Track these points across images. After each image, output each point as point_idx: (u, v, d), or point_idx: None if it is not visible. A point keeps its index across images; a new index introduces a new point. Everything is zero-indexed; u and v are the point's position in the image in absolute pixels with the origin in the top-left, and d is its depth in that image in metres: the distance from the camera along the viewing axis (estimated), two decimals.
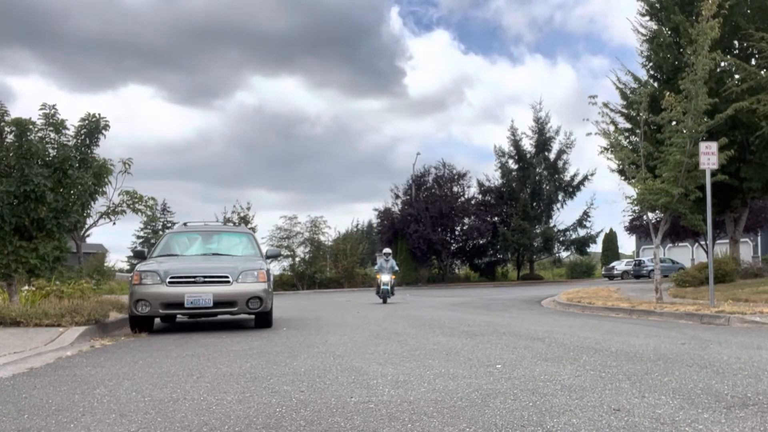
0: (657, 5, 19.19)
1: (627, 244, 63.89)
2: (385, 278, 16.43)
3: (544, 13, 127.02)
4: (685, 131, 11.68)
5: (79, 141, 8.97)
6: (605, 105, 13.44)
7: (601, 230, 46.79)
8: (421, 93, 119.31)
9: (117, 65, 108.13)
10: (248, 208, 33.12)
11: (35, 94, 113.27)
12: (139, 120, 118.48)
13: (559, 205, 41.55)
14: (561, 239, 41.26)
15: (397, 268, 17.25)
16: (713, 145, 10.48)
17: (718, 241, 30.36)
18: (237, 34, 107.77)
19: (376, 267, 18.34)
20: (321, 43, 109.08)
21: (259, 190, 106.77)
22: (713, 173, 10.71)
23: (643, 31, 19.76)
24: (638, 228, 35.18)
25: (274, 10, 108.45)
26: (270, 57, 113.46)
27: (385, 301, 16.10)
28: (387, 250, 18.33)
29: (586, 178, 40.85)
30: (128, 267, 41.57)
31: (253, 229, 28.43)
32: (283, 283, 31.98)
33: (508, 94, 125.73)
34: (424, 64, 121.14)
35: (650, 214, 16.17)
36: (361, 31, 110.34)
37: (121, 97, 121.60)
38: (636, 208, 16.81)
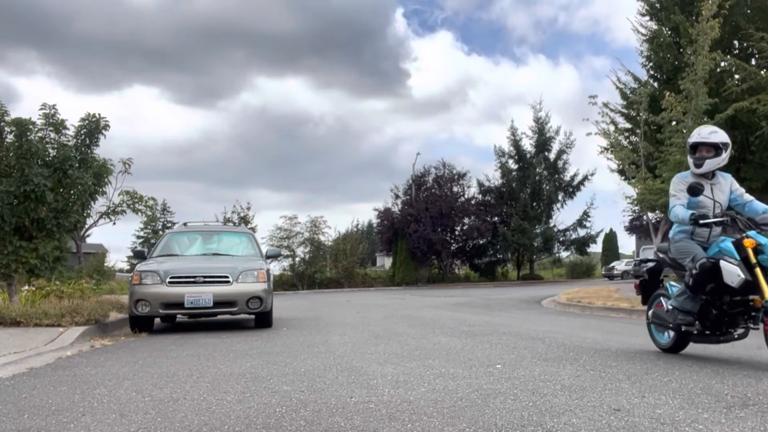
0: (657, 5, 19.20)
1: (627, 244, 64.05)
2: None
3: (548, 14, 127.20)
4: (685, 131, 11.69)
5: (79, 141, 8.97)
6: (605, 105, 13.50)
7: (601, 230, 46.75)
8: (426, 94, 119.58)
9: (122, 66, 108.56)
10: (248, 208, 33.15)
11: (40, 94, 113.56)
12: (143, 120, 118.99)
13: (559, 205, 41.55)
14: (561, 239, 41.25)
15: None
16: None
17: None
18: (243, 35, 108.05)
19: (676, 208, 4.78)
20: (326, 44, 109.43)
21: (261, 190, 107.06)
22: None
23: (643, 31, 19.78)
24: (638, 228, 35.23)
25: (280, 12, 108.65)
26: (275, 58, 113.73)
27: None
28: (717, 133, 4.83)
29: (586, 178, 40.87)
30: (128, 267, 41.56)
31: (253, 229, 28.44)
32: (283, 283, 31.97)
33: (511, 95, 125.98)
34: (428, 66, 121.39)
35: (650, 214, 16.18)
36: (366, 33, 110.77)
37: (126, 98, 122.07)
38: (636, 208, 16.80)
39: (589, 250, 42.96)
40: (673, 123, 12.28)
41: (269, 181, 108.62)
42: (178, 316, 9.47)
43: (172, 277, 7.88)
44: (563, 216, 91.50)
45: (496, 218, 39.75)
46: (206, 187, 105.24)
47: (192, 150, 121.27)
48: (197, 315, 8.81)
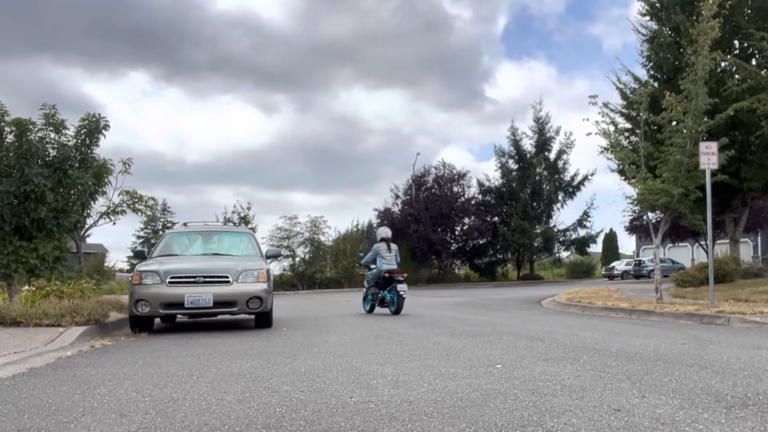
0: (657, 5, 19.18)
1: (627, 244, 64.07)
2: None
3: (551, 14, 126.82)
4: (685, 131, 11.68)
5: (79, 141, 8.97)
6: (605, 105, 13.42)
7: (601, 230, 46.95)
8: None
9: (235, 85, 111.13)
10: (248, 208, 33.15)
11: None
12: (224, 127, 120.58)
13: (559, 205, 41.58)
14: (561, 239, 41.29)
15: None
16: (713, 145, 10.47)
17: (718, 241, 30.35)
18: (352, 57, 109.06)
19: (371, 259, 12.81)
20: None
21: (302, 193, 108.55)
22: (713, 173, 10.71)
23: (643, 31, 19.77)
24: (638, 228, 35.17)
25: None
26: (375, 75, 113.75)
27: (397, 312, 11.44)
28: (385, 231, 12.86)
29: (586, 178, 40.94)
30: (128, 267, 41.55)
31: (254, 229, 28.43)
32: (283, 283, 31.97)
33: (514, 95, 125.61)
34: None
35: (650, 214, 16.17)
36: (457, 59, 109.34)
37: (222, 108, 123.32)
38: (636, 208, 16.80)
39: (589, 250, 43.00)
40: (673, 123, 12.26)
41: (310, 184, 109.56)
42: (178, 316, 9.47)
43: (172, 277, 7.87)
44: (563, 216, 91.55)
45: (496, 218, 39.80)
46: (251, 190, 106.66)
47: (262, 155, 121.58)
48: (197, 315, 8.81)
